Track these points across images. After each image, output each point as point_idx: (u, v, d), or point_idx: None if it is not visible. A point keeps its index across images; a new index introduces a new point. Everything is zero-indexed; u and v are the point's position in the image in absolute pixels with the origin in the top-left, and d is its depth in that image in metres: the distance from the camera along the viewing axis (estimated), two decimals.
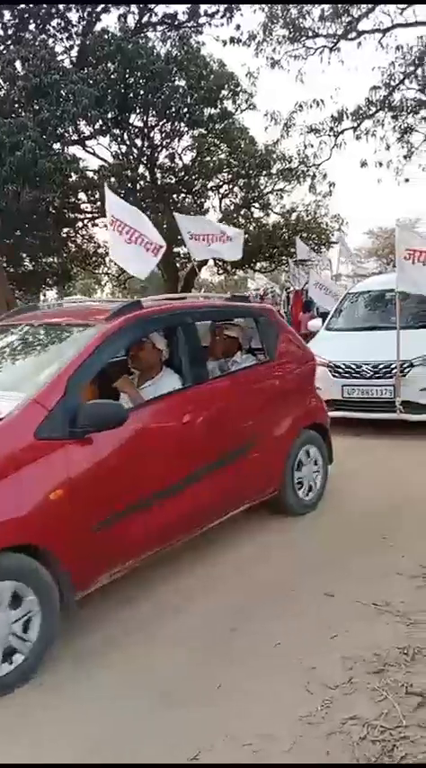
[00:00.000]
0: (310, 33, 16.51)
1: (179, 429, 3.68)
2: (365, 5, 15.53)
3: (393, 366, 6.69)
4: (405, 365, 6.71)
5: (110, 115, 19.45)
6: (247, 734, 2.40)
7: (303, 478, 4.75)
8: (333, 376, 7.06)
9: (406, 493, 5.03)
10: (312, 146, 18.53)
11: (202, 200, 22.74)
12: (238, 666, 2.86)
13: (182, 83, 19.32)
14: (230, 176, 22.68)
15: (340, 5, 15.48)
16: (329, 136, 17.96)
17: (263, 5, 16.34)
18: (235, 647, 3.01)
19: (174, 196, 22.39)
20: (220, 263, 24.04)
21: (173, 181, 22.43)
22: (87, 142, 21.56)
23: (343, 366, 7.05)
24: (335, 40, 16.58)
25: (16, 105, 16.41)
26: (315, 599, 3.42)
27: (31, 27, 19.07)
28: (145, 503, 3.39)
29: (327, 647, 2.96)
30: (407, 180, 18.70)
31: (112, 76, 18.18)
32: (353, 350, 7.29)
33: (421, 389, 6.67)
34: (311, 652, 2.92)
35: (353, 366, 7.01)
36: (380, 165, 18.26)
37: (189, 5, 18.88)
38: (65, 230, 23.60)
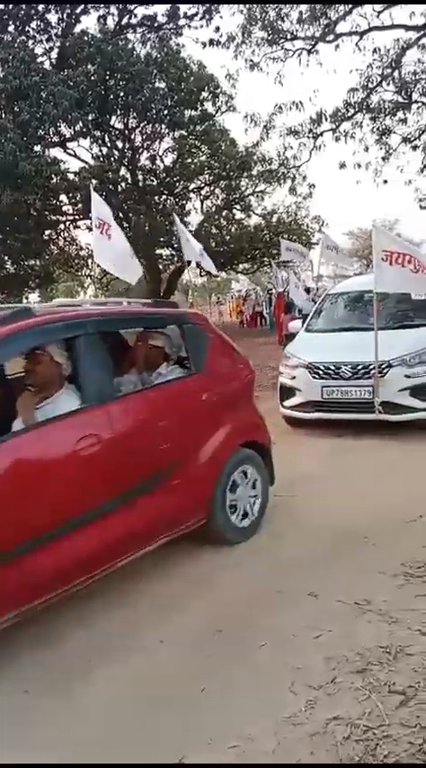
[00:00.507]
0: (288, 36, 16.61)
1: (73, 457, 3.20)
2: (342, 8, 15.65)
3: (371, 367, 6.71)
4: (384, 366, 6.72)
5: (90, 117, 19.40)
6: (232, 736, 2.42)
7: (237, 501, 4.27)
8: (313, 377, 7.07)
9: (381, 494, 5.08)
10: (292, 147, 18.69)
11: (184, 201, 22.76)
12: (222, 669, 2.87)
13: (162, 84, 19.34)
14: (211, 178, 22.73)
15: (317, 7, 15.58)
16: (308, 138, 18.11)
17: (242, 6, 16.36)
18: (220, 650, 3.03)
19: (156, 198, 22.38)
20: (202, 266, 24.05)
21: (154, 183, 22.43)
22: (68, 144, 21.50)
23: (323, 367, 7.06)
24: (313, 43, 16.72)
25: None
26: (299, 599, 3.44)
27: (11, 29, 18.95)
28: (29, 544, 2.96)
29: (311, 648, 2.98)
30: (385, 181, 18.95)
31: (92, 78, 18.14)
32: (332, 351, 7.30)
33: (399, 390, 6.69)
34: (295, 653, 2.94)
35: (332, 367, 7.01)
36: (359, 166, 18.48)
37: (168, 6, 18.80)
38: (46, 232, 23.48)
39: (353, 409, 6.93)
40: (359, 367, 6.85)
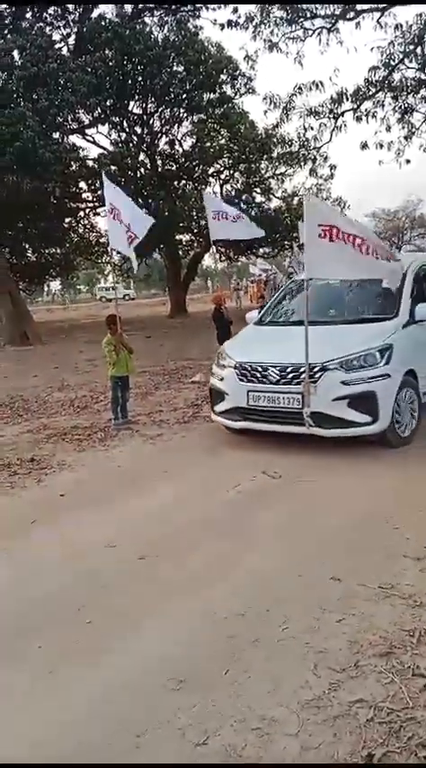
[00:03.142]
0: (308, 14, 16.31)
1: None
2: None
3: (302, 370, 5.64)
4: (316, 369, 5.63)
5: (108, 103, 19.38)
6: (255, 718, 2.43)
7: None
8: (239, 380, 6.05)
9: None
10: (312, 128, 18.42)
11: (203, 186, 22.66)
12: (245, 651, 2.88)
13: (181, 68, 19.21)
14: (231, 162, 22.59)
15: None
16: (329, 118, 17.82)
17: None
18: (242, 632, 3.03)
19: (175, 183, 22.30)
20: (222, 250, 23.95)
21: (173, 168, 22.35)
22: (87, 131, 21.51)
23: (250, 368, 6.02)
24: (333, 21, 16.40)
25: (14, 95, 16.31)
26: (321, 583, 3.44)
27: (28, 15, 18.91)
28: None
29: (334, 631, 2.97)
30: (408, 161, 18.60)
31: (110, 63, 18.09)
32: (265, 349, 6.32)
33: (334, 399, 5.57)
34: (318, 636, 2.94)
35: (259, 369, 5.97)
36: (381, 146, 18.15)
37: None
38: (66, 220, 23.57)
39: (281, 420, 5.87)
40: (289, 370, 5.78)
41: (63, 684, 2.77)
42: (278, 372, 5.84)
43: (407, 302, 6.33)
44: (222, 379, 6.31)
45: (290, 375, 5.76)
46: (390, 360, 5.70)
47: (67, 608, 3.39)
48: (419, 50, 16.47)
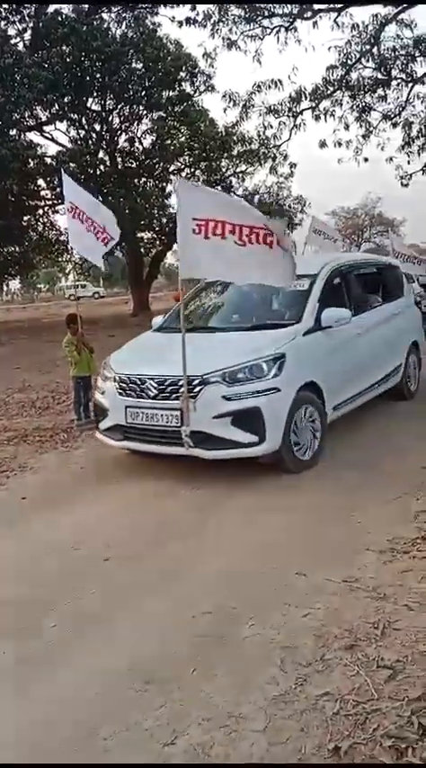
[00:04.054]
0: (266, 13, 16.37)
1: None
2: None
3: (181, 383, 4.96)
4: (196, 382, 4.95)
5: (66, 99, 19.14)
6: (222, 716, 2.43)
7: None
8: (119, 394, 5.39)
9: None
10: (271, 127, 18.48)
11: (164, 183, 22.55)
12: (212, 649, 2.88)
13: (139, 65, 19.09)
14: (191, 159, 22.55)
15: None
16: (288, 116, 17.90)
17: None
18: (209, 631, 3.03)
19: (136, 181, 22.15)
20: None
21: (133, 165, 22.19)
22: (45, 127, 21.19)
23: (128, 381, 5.35)
24: (291, 20, 16.48)
25: None
26: (287, 578, 3.46)
27: None
28: None
29: (300, 626, 3.00)
30: (366, 159, 18.84)
31: (67, 60, 17.87)
32: (148, 359, 5.73)
33: (215, 416, 4.89)
34: (284, 631, 2.96)
35: (137, 381, 5.28)
36: (339, 144, 18.32)
37: None
38: (25, 218, 23.20)
39: (160, 440, 5.18)
40: (167, 383, 5.09)
41: (27, 688, 2.73)
42: (155, 386, 5.14)
43: (314, 306, 5.69)
44: (103, 393, 5.65)
45: (169, 389, 5.07)
46: (281, 371, 5.01)
47: (32, 611, 3.34)
48: (375, 50, 16.70)
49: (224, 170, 22.97)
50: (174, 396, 5.01)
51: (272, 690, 2.55)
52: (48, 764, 2.33)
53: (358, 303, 6.50)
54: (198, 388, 4.95)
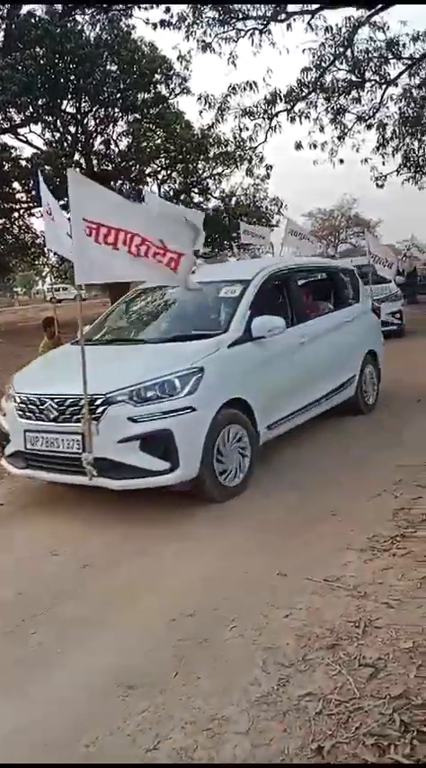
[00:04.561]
0: (240, 15, 16.42)
1: None
2: None
3: (82, 403, 4.35)
4: (99, 402, 4.36)
5: (40, 102, 19.00)
6: (205, 719, 2.42)
7: None
8: (19, 416, 4.78)
9: None
10: (247, 129, 18.54)
11: (140, 186, 22.48)
12: (194, 652, 2.87)
13: (114, 67, 19.03)
14: (168, 162, 22.52)
15: None
16: (263, 118, 17.97)
17: None
18: (191, 633, 3.02)
19: (112, 183, 22.05)
20: None
21: (109, 168, 22.09)
22: (19, 130, 21.02)
23: (28, 401, 4.74)
24: (265, 22, 16.55)
25: None
26: (268, 579, 3.46)
27: None
28: None
29: (281, 626, 3.00)
30: (342, 161, 18.96)
31: (41, 62, 17.74)
32: (52, 376, 5.16)
33: (120, 441, 4.29)
34: (265, 632, 2.96)
35: (37, 401, 4.67)
36: (314, 146, 18.43)
37: None
38: (0, 221, 22.99)
39: (62, 468, 4.59)
40: (68, 403, 4.48)
41: (7, 695, 2.69)
42: (55, 407, 4.53)
43: (243, 315, 5.13)
44: (5, 415, 5.00)
45: (70, 410, 4.47)
46: (197, 388, 4.44)
47: (12, 618, 3.30)
48: (348, 52, 16.83)
49: (200, 172, 22.97)
50: (76, 418, 4.41)
51: (255, 691, 2.55)
52: (48, 764, 2.31)
53: (301, 310, 6.10)
54: (101, 409, 4.34)
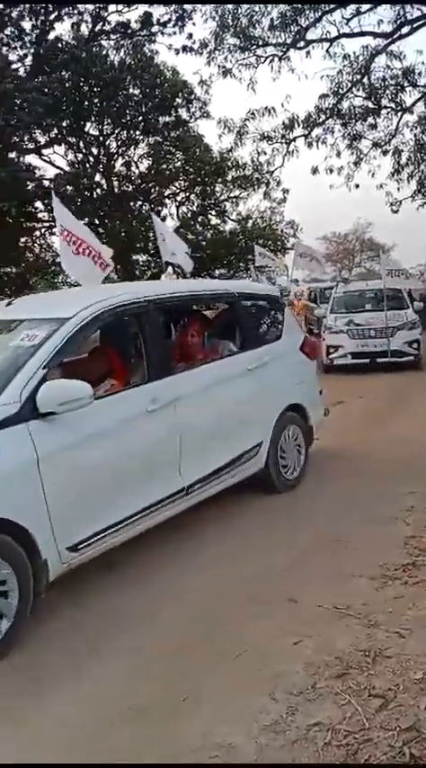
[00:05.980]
0: (260, 42, 16.72)
1: None
2: (313, 15, 15.82)
3: None
4: None
5: (65, 123, 19.37)
6: (212, 746, 2.41)
7: None
8: None
9: None
10: (265, 153, 18.78)
11: (159, 207, 22.74)
12: (203, 677, 2.87)
13: (137, 91, 19.36)
14: (186, 184, 22.75)
15: (288, 14, 15.74)
16: (281, 143, 18.19)
17: (214, 13, 16.44)
18: (199, 658, 3.02)
19: (132, 204, 22.34)
20: (179, 271, 24.06)
21: (129, 189, 22.39)
22: (43, 151, 21.41)
23: None
24: (284, 49, 16.84)
25: None
26: (279, 605, 3.46)
27: None
28: None
29: (290, 654, 2.99)
30: (357, 186, 19.06)
31: (67, 85, 18.12)
32: None
33: None
34: (275, 659, 2.95)
35: None
36: (331, 171, 18.59)
37: (141, 13, 18.85)
38: (22, 239, 23.35)
39: None
40: None
41: (14, 719, 2.70)
42: None
43: (28, 376, 3.42)
44: None
45: None
46: None
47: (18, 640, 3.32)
48: (365, 80, 17.06)
49: (218, 195, 23.18)
50: None
51: (264, 719, 2.54)
52: (48, 764, 2.31)
53: (162, 360, 4.37)
54: None
